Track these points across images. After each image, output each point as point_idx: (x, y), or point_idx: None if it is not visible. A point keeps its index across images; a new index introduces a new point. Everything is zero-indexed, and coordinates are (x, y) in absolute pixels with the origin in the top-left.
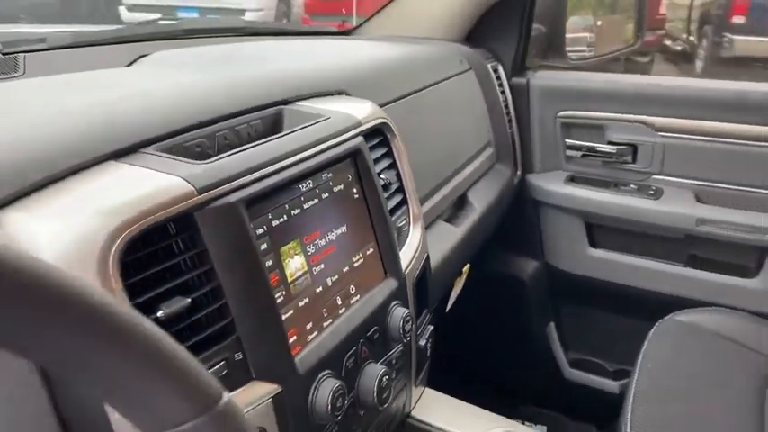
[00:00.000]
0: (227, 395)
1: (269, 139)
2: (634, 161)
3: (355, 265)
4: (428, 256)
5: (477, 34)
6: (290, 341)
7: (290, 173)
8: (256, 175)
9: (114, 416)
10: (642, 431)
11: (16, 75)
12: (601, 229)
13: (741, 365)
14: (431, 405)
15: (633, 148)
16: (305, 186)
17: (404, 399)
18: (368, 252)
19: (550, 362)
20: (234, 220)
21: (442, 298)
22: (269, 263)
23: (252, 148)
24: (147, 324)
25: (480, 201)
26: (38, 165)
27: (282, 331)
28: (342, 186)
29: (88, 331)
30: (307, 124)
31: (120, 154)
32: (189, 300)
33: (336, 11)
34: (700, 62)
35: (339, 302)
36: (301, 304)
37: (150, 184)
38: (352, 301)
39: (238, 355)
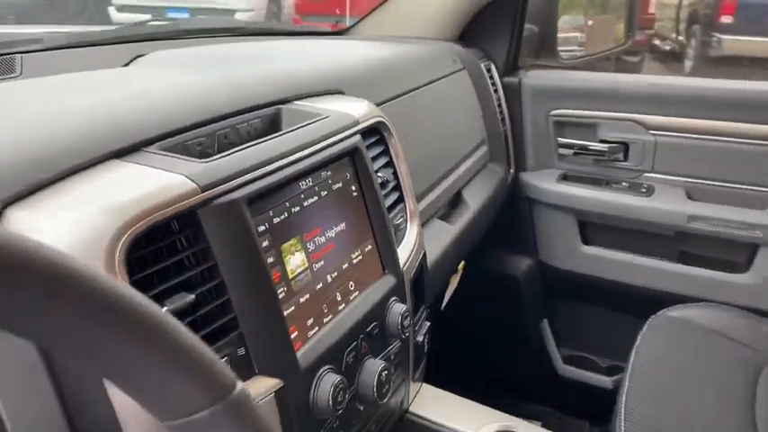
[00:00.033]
0: (240, 384)
1: (269, 137)
2: (626, 159)
3: (354, 261)
4: (425, 253)
5: (469, 34)
6: (292, 337)
7: (290, 171)
8: (258, 172)
9: (113, 389)
10: (636, 426)
11: (13, 75)
12: (593, 227)
13: (732, 360)
14: (428, 400)
15: (625, 146)
16: (305, 184)
17: (402, 394)
18: (366, 249)
19: (544, 358)
20: (236, 218)
21: (437, 295)
22: (270, 259)
23: (252, 147)
24: (166, 316)
25: (475, 199)
26: (41, 164)
27: (285, 327)
28: (340, 184)
29: (110, 322)
30: (305, 123)
31: (122, 153)
32: (193, 296)
33: (327, 11)
34: (689, 61)
35: (339, 299)
36: (302, 300)
37: (154, 182)
38: (351, 298)
39: (241, 351)
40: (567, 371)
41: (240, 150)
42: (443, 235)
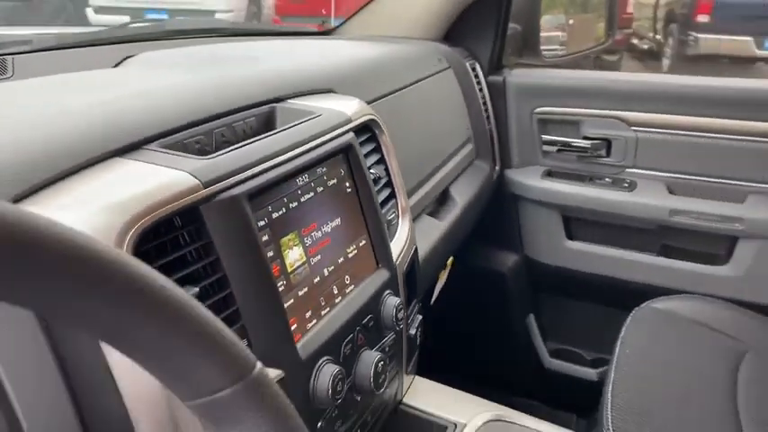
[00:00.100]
0: (259, 364)
1: (266, 135)
2: (608, 155)
3: (350, 256)
4: (416, 248)
5: (454, 33)
6: (292, 329)
7: (287, 167)
8: (257, 169)
9: (113, 357)
10: (622, 417)
11: (5, 76)
12: (577, 222)
13: (714, 350)
14: (421, 392)
15: (607, 142)
16: (301, 180)
17: (396, 386)
18: (361, 244)
19: (531, 352)
20: (238, 213)
21: (427, 290)
22: (270, 254)
23: (250, 144)
24: (190, 298)
25: (462, 195)
26: (43, 164)
27: (285, 319)
28: (335, 180)
29: (138, 304)
30: (300, 121)
31: (124, 151)
32: (197, 289)
33: (307, 12)
34: (666, 60)
35: (336, 292)
36: (301, 293)
37: (158, 179)
38: (347, 291)
39: (243, 342)
40: (554, 364)
41: (239, 148)
42: (432, 231)
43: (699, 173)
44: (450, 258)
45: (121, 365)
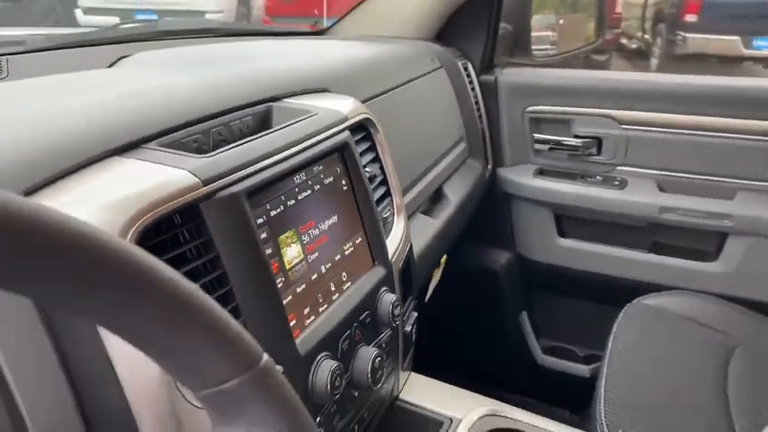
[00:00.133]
0: (266, 355)
1: (263, 134)
2: (599, 153)
3: (346, 253)
4: (411, 246)
5: (446, 33)
6: (290, 325)
7: (285, 165)
8: (255, 167)
9: (112, 345)
10: (615, 412)
11: (1, 77)
12: (569, 220)
13: (705, 344)
14: (417, 388)
15: (598, 140)
16: (298, 178)
17: (393, 382)
18: (357, 241)
19: (524, 350)
20: (237, 210)
21: (421, 288)
22: (269, 251)
23: (248, 143)
24: (197, 289)
25: (455, 194)
26: (43, 163)
27: (284, 315)
28: (332, 179)
29: (148, 294)
30: (296, 120)
31: (123, 150)
32: (197, 286)
33: (297, 13)
34: (655, 59)
35: (333, 288)
36: (299, 290)
37: (158, 177)
38: (344, 288)
39: None
40: (547, 361)
41: (237, 146)
42: (426, 229)
43: (688, 170)
44: (444, 256)
45: (122, 357)
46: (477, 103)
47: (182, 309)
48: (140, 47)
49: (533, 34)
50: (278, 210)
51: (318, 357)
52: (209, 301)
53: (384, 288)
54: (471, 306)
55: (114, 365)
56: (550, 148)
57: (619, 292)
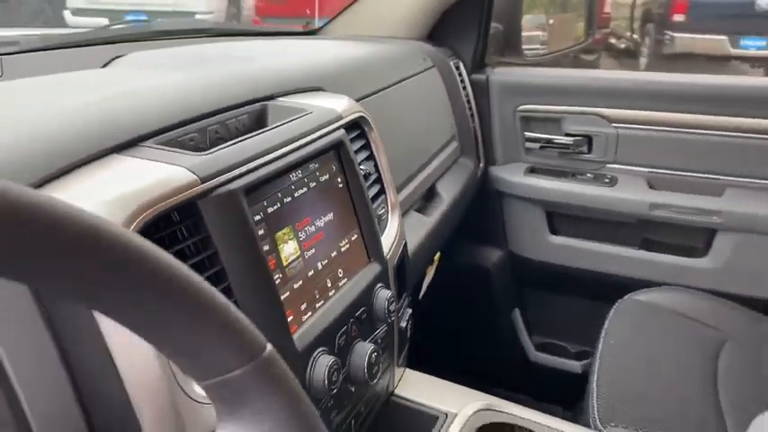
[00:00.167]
0: (270, 345)
1: (259, 132)
2: (590, 151)
3: (342, 250)
4: (405, 243)
5: (438, 33)
6: (288, 320)
7: (281, 163)
8: (252, 164)
9: (111, 337)
10: (607, 406)
11: None
12: (560, 217)
13: (694, 339)
14: (412, 384)
15: (588, 139)
16: (295, 176)
17: (388, 378)
18: (353, 238)
19: (516, 346)
20: (235, 207)
21: (415, 285)
22: (266, 247)
23: (244, 141)
24: (202, 280)
25: (448, 192)
26: (44, 160)
27: (282, 311)
28: (327, 176)
29: (155, 285)
30: (292, 118)
31: (121, 148)
32: None
33: (288, 13)
34: (643, 59)
35: (329, 285)
36: (296, 286)
37: (157, 175)
38: (340, 284)
39: None
40: (539, 357)
41: (234, 144)
42: (420, 226)
43: (677, 167)
44: (438, 254)
45: (122, 350)
46: (468, 102)
47: (188, 299)
48: (134, 47)
49: (524, 34)
50: (275, 207)
51: (315, 353)
52: (214, 292)
53: (379, 284)
54: (464, 303)
55: (114, 358)
56: (541, 147)
57: (610, 289)
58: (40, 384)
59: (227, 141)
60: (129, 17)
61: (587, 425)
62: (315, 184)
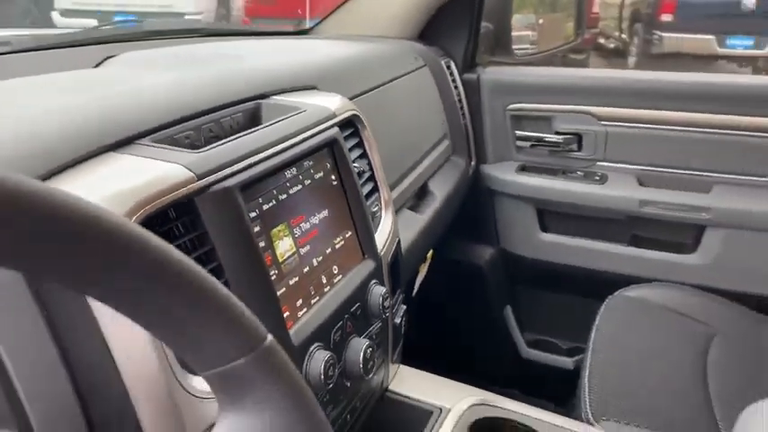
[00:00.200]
0: (270, 336)
1: (254, 129)
2: (579, 149)
3: (337, 246)
4: (399, 240)
5: (429, 32)
6: (284, 316)
7: (276, 160)
8: (247, 162)
9: (108, 329)
10: (599, 402)
11: None
12: (551, 215)
13: (684, 334)
14: (407, 379)
15: (578, 137)
16: (290, 173)
17: (383, 373)
18: (347, 235)
19: (508, 343)
20: (231, 204)
21: (408, 282)
22: (262, 244)
23: (239, 138)
24: (205, 272)
25: (440, 190)
26: (42, 158)
27: (278, 307)
28: (321, 173)
29: (159, 276)
30: (286, 116)
31: (117, 146)
32: None
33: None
34: (632, 58)
35: (324, 281)
36: (291, 282)
37: (154, 172)
38: (335, 281)
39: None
40: (531, 354)
41: (230, 141)
42: (413, 224)
43: (666, 165)
44: (430, 251)
45: (119, 342)
46: (459, 101)
47: (189, 289)
48: (126, 47)
49: (514, 34)
50: (270, 204)
51: (311, 348)
52: (216, 283)
53: (374, 281)
54: (457, 301)
55: (111, 350)
56: (532, 145)
57: (600, 285)
58: (39, 378)
59: (221, 139)
60: (118, 18)
61: (579, 419)
62: (309, 181)
